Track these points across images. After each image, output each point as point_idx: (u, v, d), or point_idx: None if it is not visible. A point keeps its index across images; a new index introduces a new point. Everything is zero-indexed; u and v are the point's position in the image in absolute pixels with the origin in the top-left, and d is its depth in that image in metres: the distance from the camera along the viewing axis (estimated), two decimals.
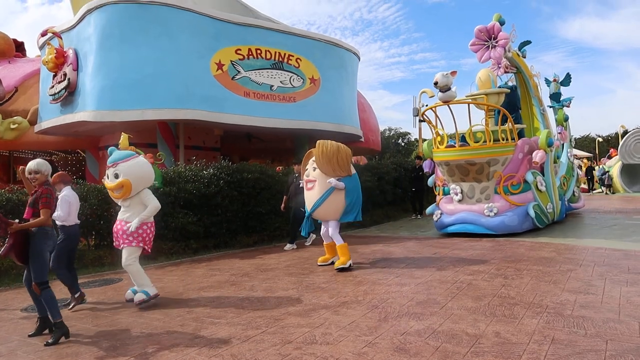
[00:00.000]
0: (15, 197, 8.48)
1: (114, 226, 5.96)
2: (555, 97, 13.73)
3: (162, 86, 11.56)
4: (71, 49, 12.43)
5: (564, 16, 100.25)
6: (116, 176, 5.72)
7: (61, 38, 12.90)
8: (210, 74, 12.32)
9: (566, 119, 13.46)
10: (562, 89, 13.96)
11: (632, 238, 9.21)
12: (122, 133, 10.12)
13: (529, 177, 10.24)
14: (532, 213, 10.13)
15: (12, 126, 14.68)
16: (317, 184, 7.34)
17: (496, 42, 10.83)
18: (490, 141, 10.01)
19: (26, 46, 21.20)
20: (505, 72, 11.64)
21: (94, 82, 11.62)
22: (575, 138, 57.65)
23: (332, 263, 7.65)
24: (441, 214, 10.93)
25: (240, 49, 12.92)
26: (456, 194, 10.64)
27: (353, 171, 7.55)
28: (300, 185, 8.52)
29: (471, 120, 10.11)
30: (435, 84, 9.43)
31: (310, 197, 7.49)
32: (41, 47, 14.33)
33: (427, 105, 11.27)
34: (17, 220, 4.76)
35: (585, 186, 26.78)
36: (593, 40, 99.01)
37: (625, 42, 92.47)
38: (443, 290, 5.78)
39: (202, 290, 6.51)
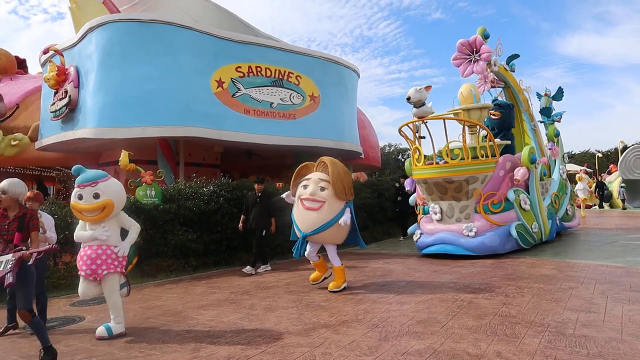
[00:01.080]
0: None
1: (84, 253, 5.34)
2: (545, 112, 13.34)
3: (162, 103, 11.60)
4: (72, 67, 12.51)
5: (562, 33, 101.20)
6: (96, 196, 5.25)
7: (63, 56, 12.98)
8: (211, 91, 12.38)
9: (557, 134, 13.10)
10: (555, 104, 13.62)
11: (634, 255, 9.18)
12: (123, 150, 10.21)
13: (511, 195, 9.90)
14: (514, 233, 9.74)
15: (13, 142, 14.72)
16: (326, 206, 6.80)
17: (479, 56, 10.55)
18: (468, 158, 9.70)
19: (28, 62, 21.34)
20: (492, 86, 11.35)
21: (95, 99, 11.66)
22: (575, 153, 57.61)
23: (325, 279, 7.48)
24: (421, 234, 10.59)
25: (240, 67, 12.99)
26: (435, 213, 10.31)
27: None
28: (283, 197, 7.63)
29: (448, 136, 9.93)
30: (408, 99, 9.16)
31: (312, 219, 6.86)
32: (43, 65, 14.42)
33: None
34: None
35: (590, 202, 26.28)
36: (592, 57, 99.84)
37: (624, 59, 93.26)
38: (444, 308, 5.74)
39: (202, 308, 6.47)
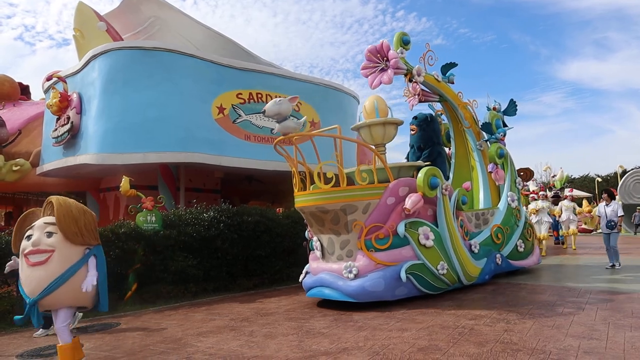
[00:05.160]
0: None
1: None
2: (486, 128, 10.88)
3: (164, 129, 11.71)
4: (75, 93, 12.67)
5: (562, 58, 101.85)
6: None
7: (66, 82, 13.17)
8: (212, 117, 12.51)
9: (501, 155, 10.66)
10: (507, 119, 11.45)
11: (635, 280, 9.14)
12: (124, 176, 10.26)
13: (400, 228, 7.83)
14: (403, 276, 7.58)
15: (15, 168, 14.82)
16: (56, 256, 4.75)
17: (388, 64, 9.11)
18: (343, 183, 7.93)
19: (32, 88, 21.63)
20: (421, 100, 9.98)
21: (97, 125, 11.78)
22: (574, 178, 57.61)
23: None
24: (306, 273, 8.91)
25: (241, 93, 13.16)
26: (317, 249, 8.70)
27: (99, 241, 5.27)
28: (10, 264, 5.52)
29: (319, 158, 8.60)
30: (263, 112, 7.94)
31: (38, 277, 4.69)
32: (46, 91, 14.61)
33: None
34: None
35: (590, 227, 26.04)
36: (592, 82, 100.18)
37: (624, 84, 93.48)
38: (445, 335, 5.71)
39: (201, 335, 6.43)
